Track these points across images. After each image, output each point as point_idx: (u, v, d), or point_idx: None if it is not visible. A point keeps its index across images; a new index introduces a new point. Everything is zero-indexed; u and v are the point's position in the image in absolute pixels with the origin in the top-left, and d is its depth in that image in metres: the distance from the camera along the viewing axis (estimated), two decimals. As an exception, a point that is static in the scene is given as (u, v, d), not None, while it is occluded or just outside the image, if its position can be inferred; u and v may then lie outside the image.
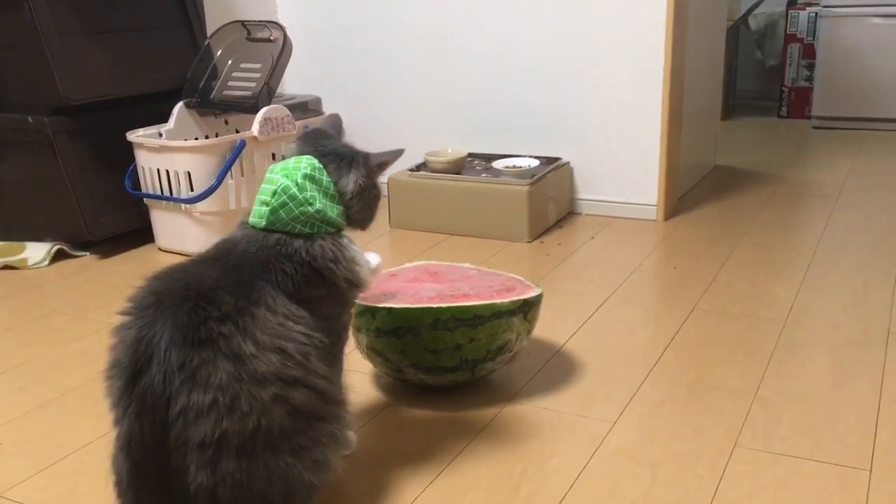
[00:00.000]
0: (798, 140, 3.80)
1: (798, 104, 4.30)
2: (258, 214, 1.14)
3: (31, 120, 2.25)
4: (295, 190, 1.13)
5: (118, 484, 1.04)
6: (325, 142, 1.21)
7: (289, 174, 1.15)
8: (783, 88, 4.33)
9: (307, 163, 1.16)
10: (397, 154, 1.24)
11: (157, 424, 0.98)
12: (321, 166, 1.17)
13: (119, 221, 2.43)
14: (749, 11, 4.42)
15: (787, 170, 3.19)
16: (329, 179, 1.17)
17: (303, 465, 1.03)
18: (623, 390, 1.53)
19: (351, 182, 1.19)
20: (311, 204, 1.14)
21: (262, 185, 1.16)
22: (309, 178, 1.15)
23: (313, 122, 2.60)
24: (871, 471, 1.25)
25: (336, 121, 1.28)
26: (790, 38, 4.27)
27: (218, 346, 0.99)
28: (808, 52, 4.22)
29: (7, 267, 2.32)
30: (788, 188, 2.91)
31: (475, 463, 1.31)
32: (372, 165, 1.22)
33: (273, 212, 1.13)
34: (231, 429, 0.98)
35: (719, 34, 3.13)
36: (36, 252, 2.37)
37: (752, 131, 4.04)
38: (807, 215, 2.58)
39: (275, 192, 1.13)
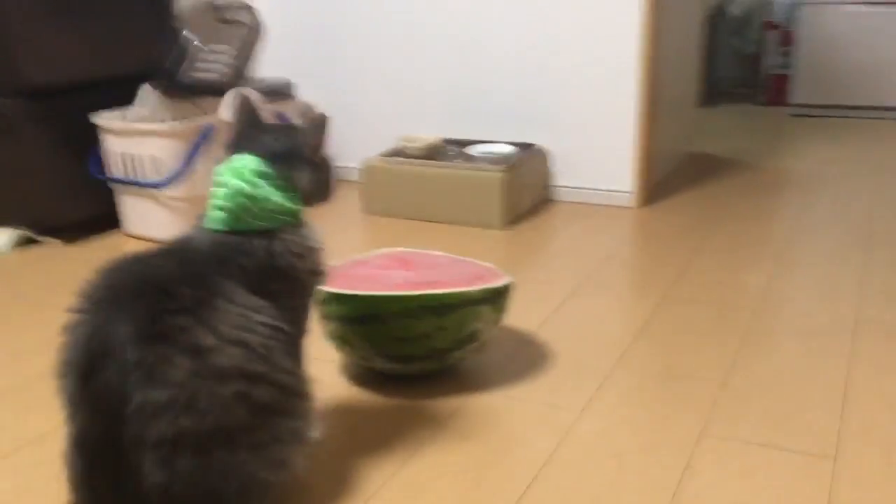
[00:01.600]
0: (776, 128, 3.80)
1: (776, 92, 4.30)
2: (216, 219, 1.11)
3: (-7, 102, 2.20)
4: (250, 189, 1.10)
5: (71, 481, 1.01)
6: (261, 138, 1.15)
7: (238, 174, 1.11)
8: (760, 76, 4.32)
9: (251, 160, 1.12)
10: (323, 124, 1.18)
11: (112, 422, 0.95)
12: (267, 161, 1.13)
13: (85, 206, 2.38)
14: (728, -2, 4.41)
15: (763, 157, 3.19)
16: (276, 172, 1.13)
17: (261, 462, 1.01)
18: (592, 379, 1.52)
19: (304, 179, 1.15)
20: (268, 199, 1.11)
21: (213, 189, 1.12)
22: (259, 174, 1.11)
23: (288, 108, 2.56)
24: (835, 458, 1.25)
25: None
26: (768, 26, 4.26)
27: (176, 341, 0.96)
28: (786, 39, 4.22)
29: (-30, 252, 2.27)
30: (764, 176, 2.91)
31: (441, 452, 1.29)
32: (311, 155, 1.17)
33: (232, 214, 1.10)
34: (189, 427, 0.95)
35: (697, 21, 3.11)
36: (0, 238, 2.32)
37: (730, 119, 4.04)
38: (781, 203, 2.58)
39: (230, 196, 1.10)
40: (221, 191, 1.11)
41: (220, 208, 1.10)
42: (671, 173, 2.97)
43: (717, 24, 4.43)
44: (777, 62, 4.27)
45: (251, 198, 1.10)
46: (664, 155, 2.85)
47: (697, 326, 1.72)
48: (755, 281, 1.95)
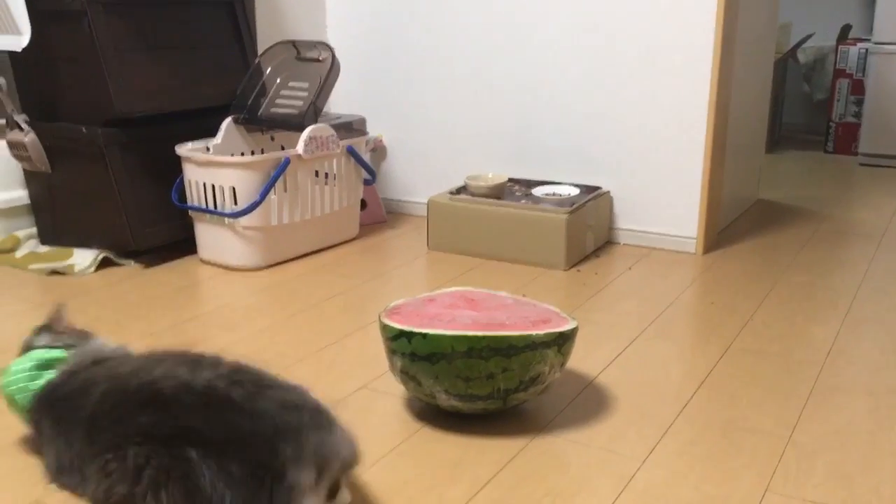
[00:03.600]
0: (844, 176, 3.75)
1: (845, 140, 4.24)
2: None
3: (84, 130, 2.32)
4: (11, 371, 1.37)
5: None
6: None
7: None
8: (830, 123, 4.28)
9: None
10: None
11: None
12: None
13: (164, 232, 2.48)
14: (798, 45, 4.39)
15: (831, 207, 3.15)
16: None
17: None
18: (654, 427, 1.52)
19: (41, 340, 1.43)
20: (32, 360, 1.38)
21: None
22: (16, 362, 1.39)
23: (357, 143, 2.64)
24: (905, 524, 1.23)
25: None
26: (839, 74, 4.23)
27: None
28: (857, 87, 4.17)
29: (55, 272, 2.38)
30: (832, 226, 2.87)
31: (503, 493, 1.32)
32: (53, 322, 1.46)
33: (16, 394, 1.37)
34: None
35: (767, 66, 3.11)
36: (83, 259, 2.43)
37: (796, 166, 4.00)
38: (849, 255, 2.55)
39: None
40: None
41: None
42: (736, 220, 2.96)
43: (786, 70, 4.41)
44: (847, 110, 4.22)
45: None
46: (730, 201, 2.84)
47: (763, 378, 1.71)
48: (822, 334, 1.93)
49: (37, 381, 1.35)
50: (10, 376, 1.36)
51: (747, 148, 2.97)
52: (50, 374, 1.35)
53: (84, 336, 1.46)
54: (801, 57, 4.51)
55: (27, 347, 1.42)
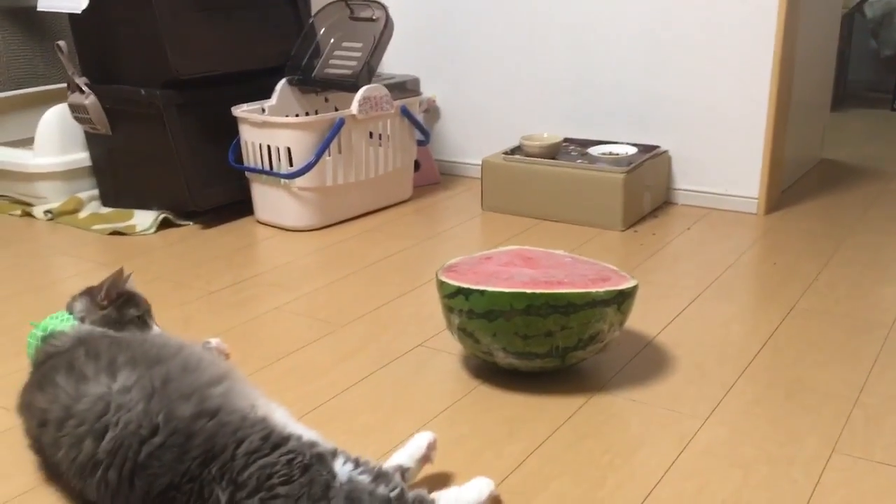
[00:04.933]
0: (913, 135, 3.61)
1: (914, 97, 4.07)
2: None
3: (143, 92, 2.34)
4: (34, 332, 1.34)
5: None
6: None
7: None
8: (899, 80, 4.11)
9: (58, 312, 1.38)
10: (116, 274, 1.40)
11: None
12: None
13: (221, 193, 2.51)
14: (866, -2, 4.21)
15: (899, 166, 3.04)
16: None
17: None
18: (715, 387, 1.50)
19: (77, 304, 1.38)
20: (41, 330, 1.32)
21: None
22: (51, 317, 1.35)
23: (410, 104, 2.62)
24: (980, 488, 1.19)
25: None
26: (910, 27, 4.04)
27: None
28: (929, 42, 3.99)
29: (116, 233, 2.43)
30: (900, 186, 2.77)
31: (562, 450, 1.31)
32: (95, 292, 1.38)
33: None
34: None
35: (833, 21, 2.99)
36: (143, 219, 2.47)
37: (862, 124, 3.86)
38: (919, 215, 2.46)
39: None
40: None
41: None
42: (800, 180, 2.87)
43: (852, 24, 4.24)
44: (918, 66, 4.04)
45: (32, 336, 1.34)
46: (793, 160, 2.76)
47: (828, 340, 1.67)
48: (891, 295, 1.87)
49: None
50: (30, 338, 1.36)
51: (812, 106, 2.88)
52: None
53: (120, 313, 1.39)
54: (869, 11, 4.33)
55: (68, 310, 1.40)
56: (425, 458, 1.19)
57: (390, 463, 1.16)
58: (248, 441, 1.02)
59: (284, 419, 1.14)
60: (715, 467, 1.26)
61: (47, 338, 1.30)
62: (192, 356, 1.19)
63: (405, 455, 1.18)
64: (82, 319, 1.35)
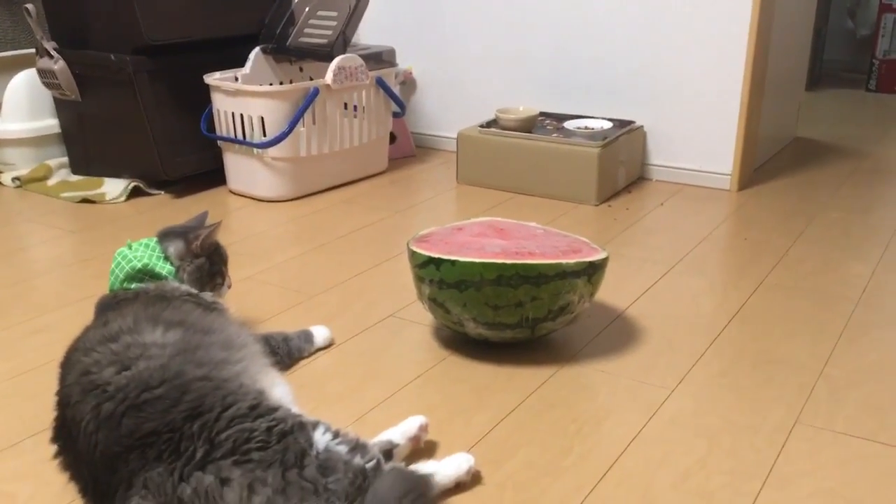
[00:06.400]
0: (886, 115, 3.64)
1: (889, 78, 4.11)
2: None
3: (113, 58, 2.30)
4: (126, 251, 1.38)
5: None
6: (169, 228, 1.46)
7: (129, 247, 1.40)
8: (874, 60, 4.14)
9: (149, 239, 1.42)
10: (215, 227, 1.44)
11: None
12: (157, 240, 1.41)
13: (193, 162, 2.48)
14: (843, -23, 4.22)
15: (871, 145, 3.06)
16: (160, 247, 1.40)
17: None
18: (684, 359, 1.51)
19: (171, 247, 1.40)
20: (138, 261, 1.36)
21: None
22: (144, 245, 1.39)
23: (386, 75, 2.60)
24: (938, 457, 1.22)
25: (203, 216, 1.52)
26: (885, 8, 4.07)
27: None
28: (904, 23, 4.01)
29: (86, 200, 2.40)
30: (871, 164, 2.80)
31: (530, 419, 1.32)
32: (191, 239, 1.41)
33: (111, 273, 1.37)
34: None
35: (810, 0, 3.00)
36: (113, 188, 2.44)
37: (837, 103, 3.88)
38: (888, 193, 2.48)
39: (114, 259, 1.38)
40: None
41: (111, 273, 1.39)
42: (773, 157, 2.89)
43: (829, 3, 4.25)
44: (892, 46, 4.07)
45: (124, 257, 1.39)
46: (767, 138, 2.77)
47: (796, 314, 1.69)
48: (859, 270, 1.90)
49: (115, 284, 1.37)
50: (116, 260, 1.38)
51: (787, 84, 2.89)
52: (136, 286, 1.34)
53: (212, 263, 1.42)
54: (846, -9, 4.35)
55: (164, 250, 1.39)
56: (416, 439, 1.20)
57: (381, 438, 1.17)
58: (236, 407, 1.03)
59: (282, 395, 1.15)
60: (680, 437, 1.27)
61: (139, 275, 1.35)
62: (238, 337, 1.23)
63: (397, 432, 1.19)
64: (178, 269, 1.39)
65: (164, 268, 1.38)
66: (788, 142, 3.10)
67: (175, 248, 1.40)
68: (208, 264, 1.43)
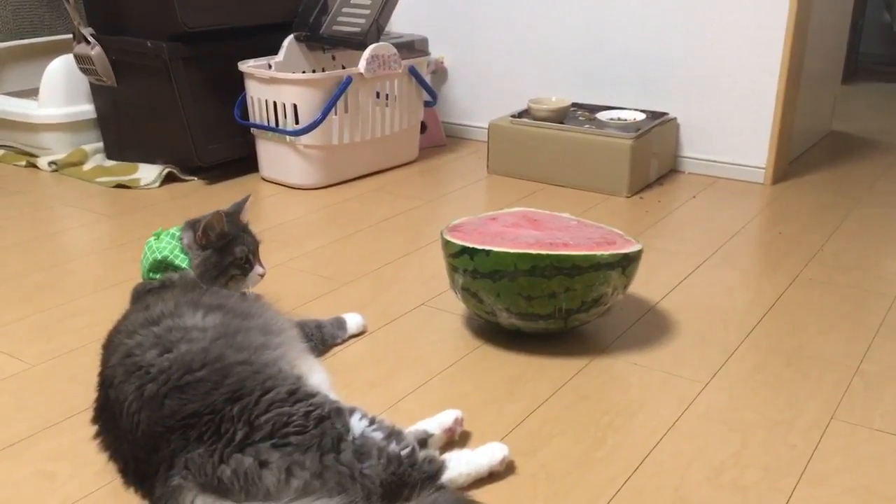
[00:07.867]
0: (923, 110, 3.57)
1: (926, 71, 4.03)
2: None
3: (149, 44, 2.32)
4: (152, 241, 1.39)
5: None
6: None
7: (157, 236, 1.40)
8: (912, 54, 4.06)
9: (176, 228, 1.42)
10: (213, 216, 1.39)
11: None
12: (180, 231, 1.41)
13: (226, 149, 2.50)
14: (882, -31, 4.15)
15: (908, 140, 3.02)
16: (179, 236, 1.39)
17: None
18: (717, 353, 1.50)
19: (185, 238, 1.39)
20: (159, 252, 1.36)
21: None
22: (170, 235, 1.39)
23: (419, 63, 2.60)
24: (977, 457, 1.20)
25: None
26: (925, 0, 3.99)
27: None
28: (944, 15, 3.93)
29: (120, 186, 2.42)
30: (909, 159, 2.75)
31: (562, 410, 1.32)
32: (197, 230, 1.38)
33: (140, 263, 1.39)
34: None
35: (849, -9, 2.95)
36: (148, 173, 2.47)
37: (873, 97, 3.82)
38: (927, 189, 2.44)
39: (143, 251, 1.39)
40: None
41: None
42: (808, 151, 2.85)
43: (867, -3, 4.18)
44: (931, 40, 4.00)
45: (150, 247, 1.40)
46: (802, 131, 2.74)
47: (831, 309, 1.67)
48: (895, 267, 1.87)
49: (143, 273, 1.38)
50: (143, 249, 1.40)
51: (823, 77, 2.85)
52: (157, 276, 1.36)
53: (221, 256, 1.39)
54: (885, -17, 4.27)
55: (184, 226, 1.40)
56: (450, 431, 1.21)
57: (416, 427, 1.18)
58: (276, 391, 1.05)
59: (320, 382, 1.16)
60: (714, 431, 1.26)
61: (160, 266, 1.36)
62: (276, 322, 1.24)
63: (433, 423, 1.20)
64: (192, 260, 1.37)
65: (183, 259, 1.37)
66: (823, 135, 3.06)
67: (188, 239, 1.40)
68: (216, 256, 1.38)
